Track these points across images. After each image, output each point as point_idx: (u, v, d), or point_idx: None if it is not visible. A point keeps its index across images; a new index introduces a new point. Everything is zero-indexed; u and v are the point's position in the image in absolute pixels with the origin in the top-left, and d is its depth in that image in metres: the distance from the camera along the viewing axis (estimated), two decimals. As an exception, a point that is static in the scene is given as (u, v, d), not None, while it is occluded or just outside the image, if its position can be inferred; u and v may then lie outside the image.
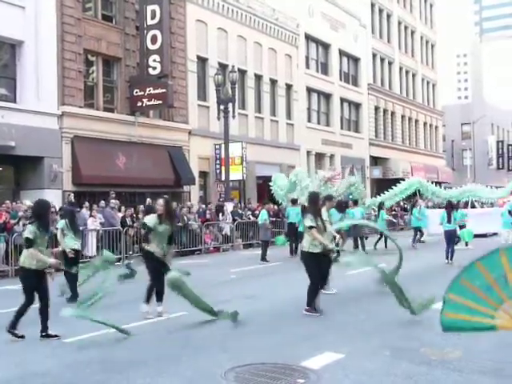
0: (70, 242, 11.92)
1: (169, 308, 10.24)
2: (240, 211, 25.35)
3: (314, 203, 10.28)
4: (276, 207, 27.19)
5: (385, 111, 46.63)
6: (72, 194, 21.05)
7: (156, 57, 23.88)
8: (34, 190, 20.84)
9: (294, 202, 20.93)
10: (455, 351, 7.29)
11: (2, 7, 20.06)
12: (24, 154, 20.35)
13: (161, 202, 9.99)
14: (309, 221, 9.93)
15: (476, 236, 21.64)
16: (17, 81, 20.84)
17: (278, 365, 6.81)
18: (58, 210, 18.12)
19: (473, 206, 27.81)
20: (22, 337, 8.29)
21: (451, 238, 17.48)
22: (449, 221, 17.27)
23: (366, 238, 22.00)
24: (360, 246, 20.95)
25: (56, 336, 8.37)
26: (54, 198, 20.65)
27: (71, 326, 9.04)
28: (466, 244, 20.74)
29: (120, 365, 7.01)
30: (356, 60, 43.15)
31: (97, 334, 8.46)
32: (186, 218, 21.87)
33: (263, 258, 18.62)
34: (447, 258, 17.18)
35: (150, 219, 9.98)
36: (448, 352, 7.26)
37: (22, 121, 20.17)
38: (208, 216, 23.51)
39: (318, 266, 9.92)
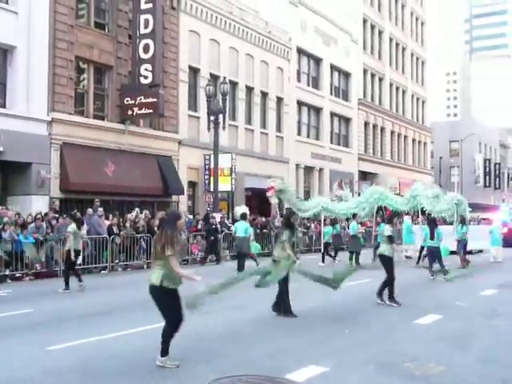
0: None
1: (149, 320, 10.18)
2: (228, 222, 25.31)
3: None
4: (263, 219, 27.21)
5: (374, 126, 46.90)
6: (57, 201, 20.92)
7: (148, 66, 23.86)
8: (20, 196, 20.74)
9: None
10: (438, 366, 7.29)
11: (-5, 12, 20.05)
12: (12, 159, 20.26)
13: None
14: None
15: (453, 253, 21.07)
16: (7, 86, 20.76)
17: (262, 377, 6.77)
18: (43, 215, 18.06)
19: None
20: None
21: (434, 255, 17.54)
22: (431, 237, 17.34)
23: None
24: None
25: None
26: (41, 204, 20.62)
27: (57, 334, 8.99)
28: None
29: (104, 374, 6.95)
30: (347, 75, 43.40)
31: (81, 342, 8.40)
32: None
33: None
34: (432, 274, 17.23)
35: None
36: (431, 367, 7.26)
37: (11, 126, 20.08)
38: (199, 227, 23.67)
39: None
